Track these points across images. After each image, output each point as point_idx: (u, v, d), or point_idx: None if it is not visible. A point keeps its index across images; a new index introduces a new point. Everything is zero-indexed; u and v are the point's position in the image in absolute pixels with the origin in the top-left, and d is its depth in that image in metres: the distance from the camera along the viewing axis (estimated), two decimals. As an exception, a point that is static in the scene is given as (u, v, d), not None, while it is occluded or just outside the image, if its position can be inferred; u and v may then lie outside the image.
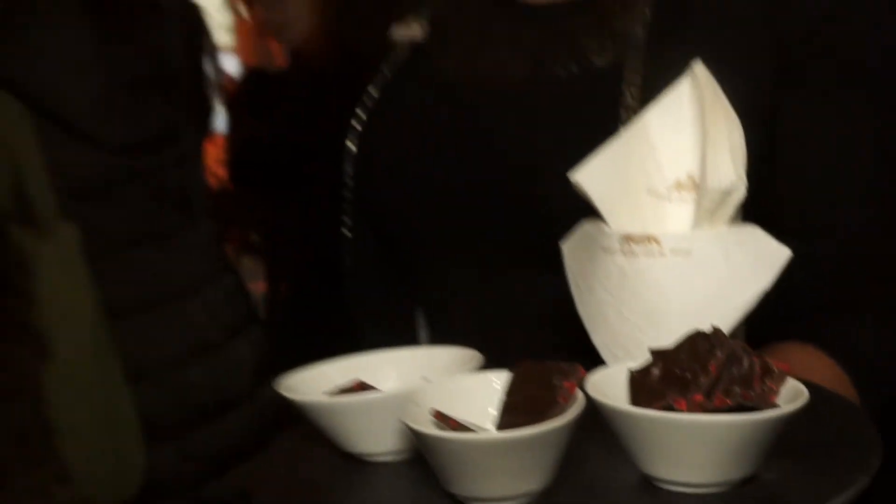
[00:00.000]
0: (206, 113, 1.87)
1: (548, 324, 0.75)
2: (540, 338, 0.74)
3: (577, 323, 0.60)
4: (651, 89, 0.70)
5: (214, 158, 2.18)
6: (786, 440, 0.43)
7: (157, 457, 1.45)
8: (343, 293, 1.18)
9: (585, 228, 0.61)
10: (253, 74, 2.43)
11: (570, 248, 0.62)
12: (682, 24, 0.78)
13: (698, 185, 0.57)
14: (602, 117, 0.74)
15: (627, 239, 0.55)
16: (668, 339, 0.49)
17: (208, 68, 1.88)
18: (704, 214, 0.56)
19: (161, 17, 1.74)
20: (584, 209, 0.62)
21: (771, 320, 0.58)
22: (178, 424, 1.55)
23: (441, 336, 0.89)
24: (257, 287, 2.30)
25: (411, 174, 0.89)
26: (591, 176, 0.57)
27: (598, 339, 0.58)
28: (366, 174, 0.94)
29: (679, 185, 0.59)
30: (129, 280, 1.64)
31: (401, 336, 0.95)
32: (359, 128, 0.94)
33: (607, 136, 0.66)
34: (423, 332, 0.96)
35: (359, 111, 0.94)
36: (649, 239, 0.54)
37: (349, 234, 1.04)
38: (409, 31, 0.95)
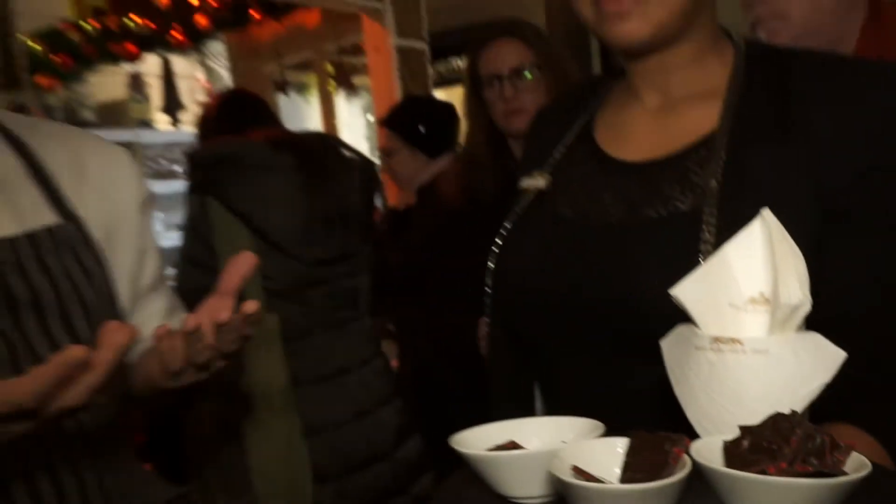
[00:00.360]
0: (371, 237, 1.96)
1: (645, 403, 0.76)
2: (640, 414, 0.75)
3: (672, 403, 0.63)
4: (725, 229, 0.73)
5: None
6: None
7: (320, 494, 1.50)
8: (470, 371, 1.19)
9: (681, 330, 0.65)
10: (391, 211, 2.53)
11: (668, 345, 0.65)
12: (749, 178, 0.79)
13: (770, 301, 0.60)
14: (686, 250, 0.76)
15: (716, 340, 0.59)
16: (749, 419, 0.52)
17: (376, 205, 1.97)
18: (777, 323, 0.59)
19: (348, 170, 1.86)
20: (669, 316, 0.66)
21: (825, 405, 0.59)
22: (338, 470, 1.60)
23: (555, 409, 0.89)
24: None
25: (536, 288, 0.90)
26: (685, 292, 0.62)
27: (692, 416, 0.61)
28: (502, 285, 0.96)
29: (753, 301, 0.62)
30: (309, 358, 1.73)
31: (522, 406, 0.97)
32: (496, 251, 0.96)
33: (690, 265, 0.68)
34: (539, 404, 0.98)
35: (497, 239, 0.96)
36: (734, 341, 0.58)
37: (489, 329, 1.06)
38: (536, 182, 0.96)
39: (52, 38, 3.61)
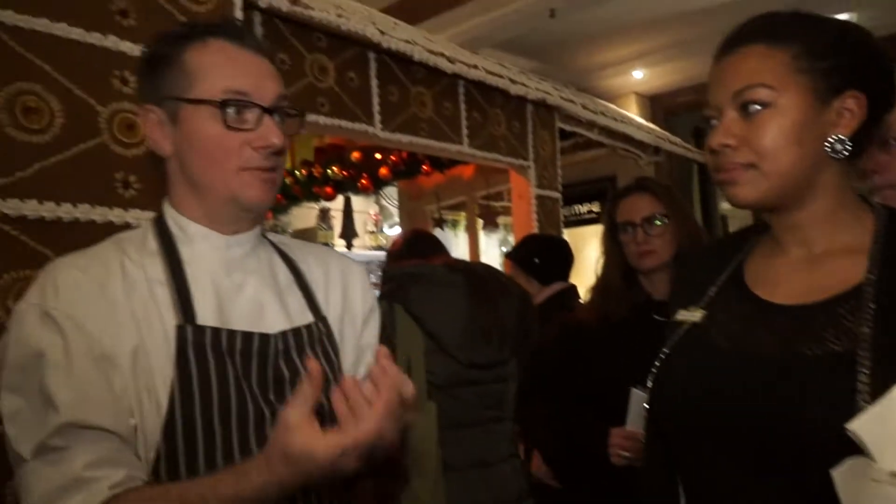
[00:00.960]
0: (527, 354, 1.98)
1: None
2: None
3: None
4: (879, 371, 0.70)
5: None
6: None
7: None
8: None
9: (855, 462, 0.62)
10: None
11: (842, 475, 0.62)
12: None
13: None
14: (842, 387, 0.72)
15: (894, 475, 0.55)
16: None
17: (532, 328, 2.00)
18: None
19: (507, 295, 1.92)
20: (824, 446, 0.64)
21: None
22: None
23: None
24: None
25: (693, 409, 0.87)
26: (863, 427, 0.58)
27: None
28: (660, 403, 0.94)
29: None
30: (458, 447, 1.71)
31: None
32: (655, 373, 0.94)
33: (846, 401, 0.64)
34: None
35: (656, 363, 0.94)
36: (914, 477, 0.53)
37: (645, 440, 1.02)
38: (692, 315, 0.95)
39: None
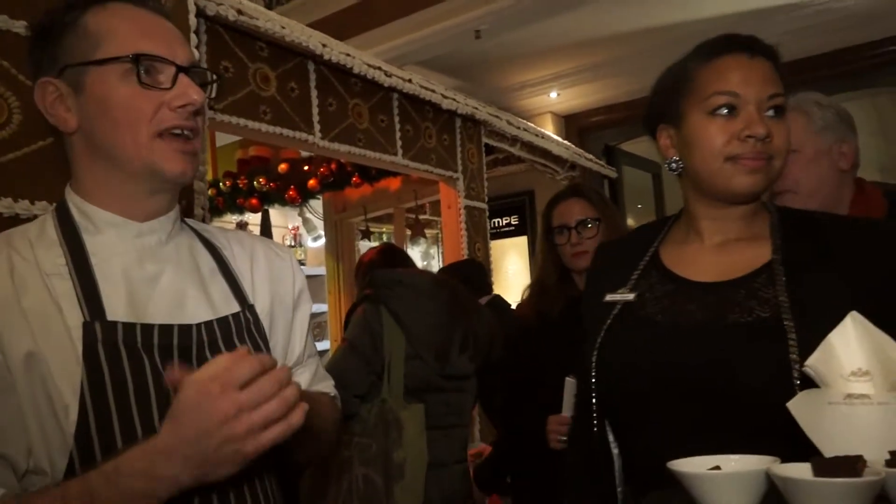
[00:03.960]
0: (491, 368, 2.12)
1: None
2: None
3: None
4: (802, 330, 0.82)
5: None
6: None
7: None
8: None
9: (807, 394, 0.73)
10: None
11: (797, 405, 0.72)
12: (808, 292, 0.88)
13: (869, 373, 0.67)
14: (775, 346, 0.84)
15: (849, 396, 0.68)
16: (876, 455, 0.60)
17: (497, 348, 2.14)
18: (883, 389, 0.67)
19: (481, 313, 2.06)
20: (760, 396, 0.77)
21: None
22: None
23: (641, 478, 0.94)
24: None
25: (638, 375, 0.95)
26: (814, 366, 0.70)
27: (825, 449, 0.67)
28: (604, 374, 1.00)
29: (853, 374, 0.70)
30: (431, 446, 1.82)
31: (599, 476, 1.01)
32: (596, 350, 1.00)
33: (781, 357, 0.78)
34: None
35: (597, 341, 1.01)
36: (864, 395, 0.66)
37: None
38: (625, 296, 1.02)
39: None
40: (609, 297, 1.03)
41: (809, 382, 0.72)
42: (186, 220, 1.03)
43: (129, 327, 0.83)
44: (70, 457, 0.77)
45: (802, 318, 0.83)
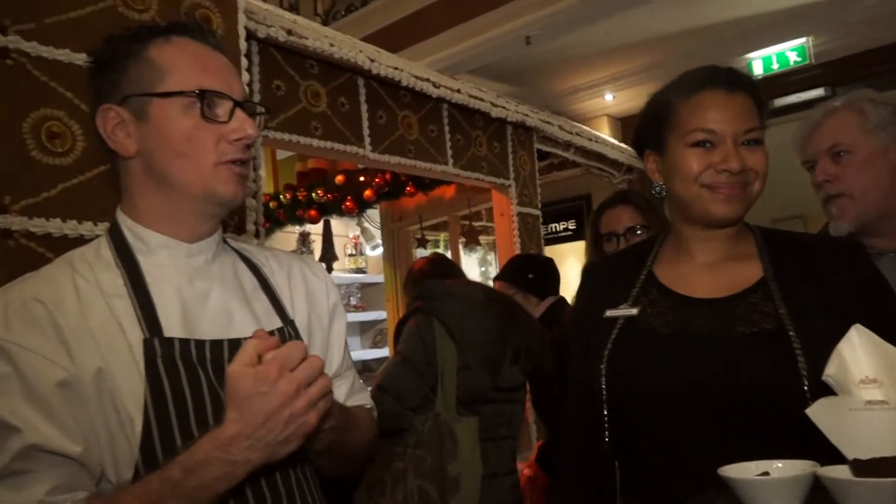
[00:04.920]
0: (543, 380, 2.14)
1: None
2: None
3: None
4: (806, 339, 0.84)
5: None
6: None
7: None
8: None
9: (827, 401, 0.73)
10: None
11: (817, 412, 0.72)
12: (803, 304, 0.91)
13: (877, 380, 0.68)
14: (782, 354, 0.86)
15: (869, 402, 0.67)
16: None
17: (548, 360, 2.15)
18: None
19: (533, 328, 2.09)
20: (769, 405, 0.80)
21: None
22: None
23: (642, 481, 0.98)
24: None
25: (648, 385, 0.97)
26: (832, 373, 0.69)
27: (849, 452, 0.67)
28: (616, 383, 1.01)
29: (863, 381, 0.71)
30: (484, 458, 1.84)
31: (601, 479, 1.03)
32: (607, 357, 1.02)
33: (789, 366, 0.80)
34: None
35: (605, 353, 1.02)
36: (883, 402, 0.66)
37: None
38: (628, 311, 1.04)
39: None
40: (610, 313, 1.05)
41: (817, 386, 0.74)
42: (227, 240, 1.07)
43: (184, 343, 0.88)
44: (136, 467, 0.83)
45: (803, 327, 0.87)
